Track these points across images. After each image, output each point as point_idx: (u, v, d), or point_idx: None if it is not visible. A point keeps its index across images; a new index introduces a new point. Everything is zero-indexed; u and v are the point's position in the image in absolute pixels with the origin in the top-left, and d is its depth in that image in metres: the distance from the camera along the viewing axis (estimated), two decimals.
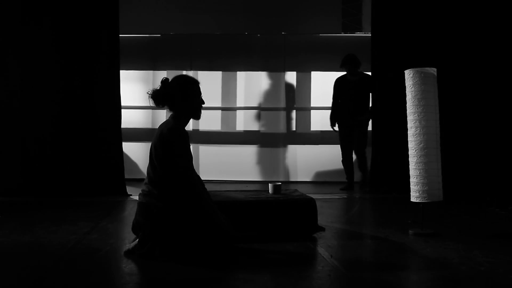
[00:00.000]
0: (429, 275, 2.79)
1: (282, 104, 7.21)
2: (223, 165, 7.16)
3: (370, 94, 6.16)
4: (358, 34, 7.58)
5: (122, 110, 5.88)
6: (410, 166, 3.78)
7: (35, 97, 5.66)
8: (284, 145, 7.21)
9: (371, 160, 6.11)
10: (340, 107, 6.26)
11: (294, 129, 7.18)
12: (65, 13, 5.68)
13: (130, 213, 4.53)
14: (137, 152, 6.98)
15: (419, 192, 3.68)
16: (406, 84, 3.79)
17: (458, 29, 5.93)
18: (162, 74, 6.84)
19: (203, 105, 3.29)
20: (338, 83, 6.30)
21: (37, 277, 2.72)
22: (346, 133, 6.23)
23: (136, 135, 6.98)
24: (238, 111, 7.25)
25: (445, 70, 5.26)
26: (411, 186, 3.77)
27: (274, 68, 7.24)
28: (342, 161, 6.30)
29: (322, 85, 7.13)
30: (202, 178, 3.40)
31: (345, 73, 6.27)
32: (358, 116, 6.11)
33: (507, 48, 5.88)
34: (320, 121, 7.03)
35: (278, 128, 7.22)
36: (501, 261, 2.98)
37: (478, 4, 5.92)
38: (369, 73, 6.15)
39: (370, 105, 6.18)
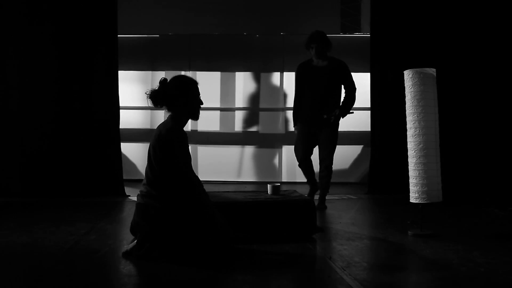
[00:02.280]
0: (428, 276, 2.78)
1: (281, 104, 7.19)
2: (221, 165, 7.14)
3: (343, 85, 5.02)
4: (357, 34, 7.58)
5: (121, 111, 5.87)
6: (409, 167, 3.77)
7: (33, 98, 5.66)
8: (283, 145, 7.19)
9: (370, 160, 6.09)
10: (304, 101, 5.05)
11: (292, 129, 7.16)
12: (64, 13, 5.67)
13: (128, 214, 4.52)
14: (135, 153, 6.96)
15: (418, 193, 3.67)
16: (405, 85, 3.78)
17: (458, 29, 5.93)
18: (161, 75, 6.77)
19: (201, 106, 3.28)
20: (302, 69, 5.09)
21: (35, 278, 2.71)
22: (309, 135, 5.01)
23: (135, 135, 6.96)
24: (236, 112, 7.24)
25: (444, 70, 5.26)
26: (410, 187, 3.76)
27: (273, 68, 7.23)
28: (299, 165, 5.15)
29: None
30: (201, 179, 3.39)
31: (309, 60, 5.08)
32: (326, 113, 4.88)
33: (507, 48, 5.88)
34: None
35: (277, 129, 7.21)
36: (501, 262, 2.98)
37: (477, 4, 5.92)
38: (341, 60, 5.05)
39: (342, 99, 5.02)
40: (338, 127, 4.98)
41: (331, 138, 4.93)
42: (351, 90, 4.97)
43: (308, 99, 5.00)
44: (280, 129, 7.20)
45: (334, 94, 4.97)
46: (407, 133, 3.78)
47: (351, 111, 4.99)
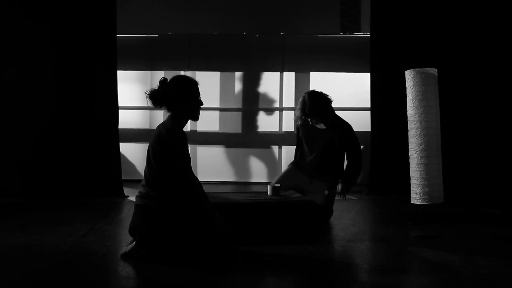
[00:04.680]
0: (430, 278, 2.76)
1: (281, 104, 7.16)
2: (221, 166, 7.11)
3: (346, 153, 4.29)
4: (357, 34, 7.55)
5: (120, 111, 5.84)
6: (410, 168, 3.74)
7: (32, 98, 5.62)
8: (282, 145, 7.17)
9: (370, 161, 6.07)
10: (302, 159, 4.49)
11: (292, 129, 7.14)
12: (63, 13, 5.63)
13: (127, 215, 4.49)
14: (134, 153, 6.93)
15: (419, 194, 3.65)
16: (406, 85, 3.76)
17: (459, 28, 5.89)
18: (160, 75, 6.76)
19: (201, 106, 3.25)
20: (303, 127, 4.43)
21: (32, 280, 2.68)
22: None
23: (134, 135, 6.93)
24: (236, 112, 7.21)
25: (446, 70, 5.23)
26: (411, 188, 3.73)
27: (273, 68, 7.20)
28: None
29: (321, 85, 7.08)
30: (200, 179, 3.36)
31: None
32: (327, 184, 4.21)
33: (509, 48, 5.84)
34: None
35: (277, 129, 7.18)
36: (504, 264, 2.95)
37: (479, 3, 5.88)
38: (346, 121, 4.31)
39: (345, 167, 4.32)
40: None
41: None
42: (355, 159, 4.25)
43: (306, 157, 4.44)
44: (280, 129, 7.18)
45: (334, 159, 4.29)
46: (409, 133, 3.75)
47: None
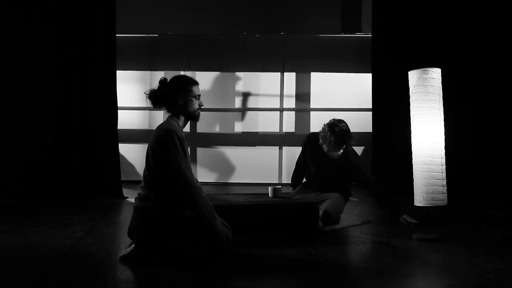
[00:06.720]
0: (434, 282, 2.72)
1: (281, 105, 7.12)
2: (221, 167, 7.08)
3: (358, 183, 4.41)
4: (357, 34, 7.52)
5: (119, 111, 5.80)
6: (413, 169, 3.69)
7: (31, 99, 5.59)
8: (283, 146, 7.13)
9: (371, 161, 6.02)
10: (310, 180, 4.49)
11: (293, 130, 7.10)
12: (61, 13, 5.60)
13: (126, 216, 4.45)
14: (133, 154, 6.90)
15: (423, 196, 3.60)
16: (409, 85, 3.71)
17: (463, 28, 5.82)
18: (160, 75, 6.71)
19: (201, 107, 3.21)
20: (311, 145, 4.35)
21: (29, 284, 2.63)
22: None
23: (133, 136, 6.90)
24: (236, 112, 7.17)
25: (449, 71, 5.18)
26: (414, 190, 3.68)
27: (273, 68, 7.16)
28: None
29: (322, 86, 7.06)
30: (200, 180, 3.32)
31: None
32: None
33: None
34: (320, 122, 6.90)
35: (277, 130, 7.14)
36: (509, 268, 2.91)
37: (483, 2, 5.83)
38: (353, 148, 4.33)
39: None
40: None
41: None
42: (372, 188, 4.29)
43: (312, 182, 4.46)
44: (280, 130, 7.14)
45: (339, 188, 4.39)
46: (411, 134, 3.71)
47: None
